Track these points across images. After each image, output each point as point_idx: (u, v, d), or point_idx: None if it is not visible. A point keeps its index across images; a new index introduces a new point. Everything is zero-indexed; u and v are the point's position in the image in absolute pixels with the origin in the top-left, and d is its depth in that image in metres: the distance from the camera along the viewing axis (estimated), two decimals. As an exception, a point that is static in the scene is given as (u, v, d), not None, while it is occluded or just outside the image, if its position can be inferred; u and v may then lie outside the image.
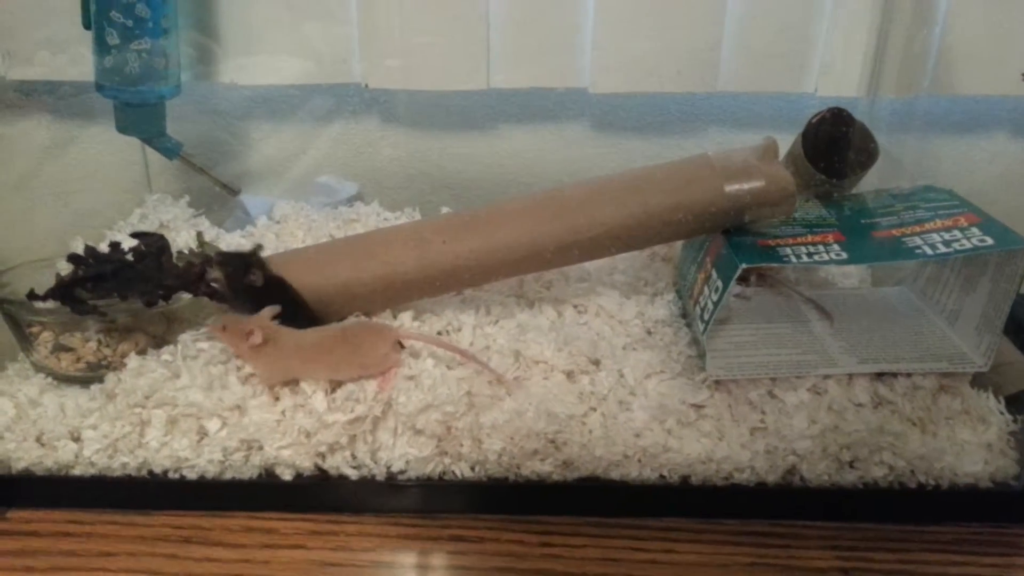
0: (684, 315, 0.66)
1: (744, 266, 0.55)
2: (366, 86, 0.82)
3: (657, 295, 0.69)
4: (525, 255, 0.60)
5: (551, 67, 0.83)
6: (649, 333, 0.64)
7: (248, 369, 0.58)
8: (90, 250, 0.57)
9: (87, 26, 0.74)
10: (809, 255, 0.56)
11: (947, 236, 0.56)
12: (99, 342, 0.58)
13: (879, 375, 0.58)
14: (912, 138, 0.86)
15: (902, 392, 0.57)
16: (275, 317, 0.57)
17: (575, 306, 0.68)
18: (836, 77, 0.81)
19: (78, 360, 0.58)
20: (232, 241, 0.80)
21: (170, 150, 0.80)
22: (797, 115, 0.86)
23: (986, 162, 0.86)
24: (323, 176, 0.91)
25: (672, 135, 0.89)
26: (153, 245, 0.57)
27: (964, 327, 0.60)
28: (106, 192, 0.87)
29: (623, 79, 0.82)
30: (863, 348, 0.60)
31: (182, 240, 0.76)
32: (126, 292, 0.56)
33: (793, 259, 0.56)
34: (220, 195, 0.86)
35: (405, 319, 0.63)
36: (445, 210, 0.84)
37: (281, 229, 0.82)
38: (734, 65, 0.82)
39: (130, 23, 0.72)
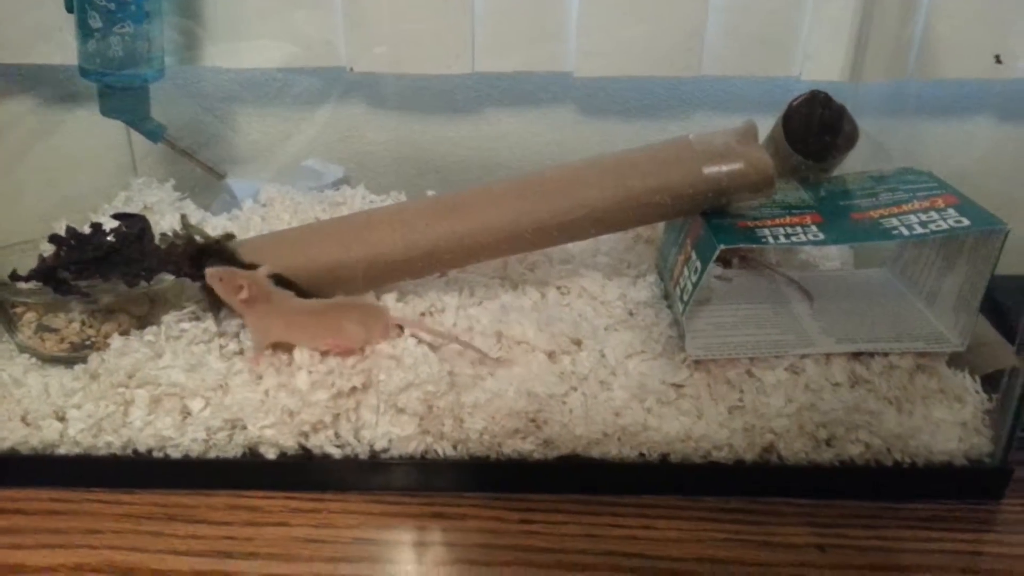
0: (666, 296, 0.66)
1: (722, 247, 0.55)
2: (351, 70, 0.82)
3: (640, 277, 0.69)
4: (507, 237, 0.61)
5: (536, 51, 0.83)
6: (631, 314, 0.65)
7: (232, 347, 0.59)
8: (72, 231, 0.57)
9: (70, 10, 0.74)
10: (787, 236, 0.57)
11: (924, 217, 0.57)
12: (83, 323, 0.58)
13: (856, 355, 0.59)
14: (895, 121, 0.86)
15: (879, 371, 0.58)
16: (271, 276, 0.58)
17: (558, 287, 0.68)
18: (820, 61, 0.82)
19: (62, 340, 0.58)
20: (218, 224, 0.80)
21: (154, 133, 0.80)
22: (781, 99, 0.86)
23: (968, 145, 0.87)
24: (309, 160, 0.91)
25: (657, 119, 0.89)
26: (134, 226, 0.57)
27: (942, 307, 0.61)
28: (91, 175, 0.87)
29: (607, 63, 0.83)
30: (841, 328, 0.61)
31: (167, 223, 0.76)
32: (108, 273, 0.56)
33: (771, 240, 0.56)
34: (206, 179, 0.86)
35: (388, 300, 0.64)
36: (430, 193, 0.85)
37: (267, 212, 0.82)
38: (719, 49, 0.82)
39: (112, 6, 0.72)
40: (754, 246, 0.58)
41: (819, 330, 0.61)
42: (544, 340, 0.60)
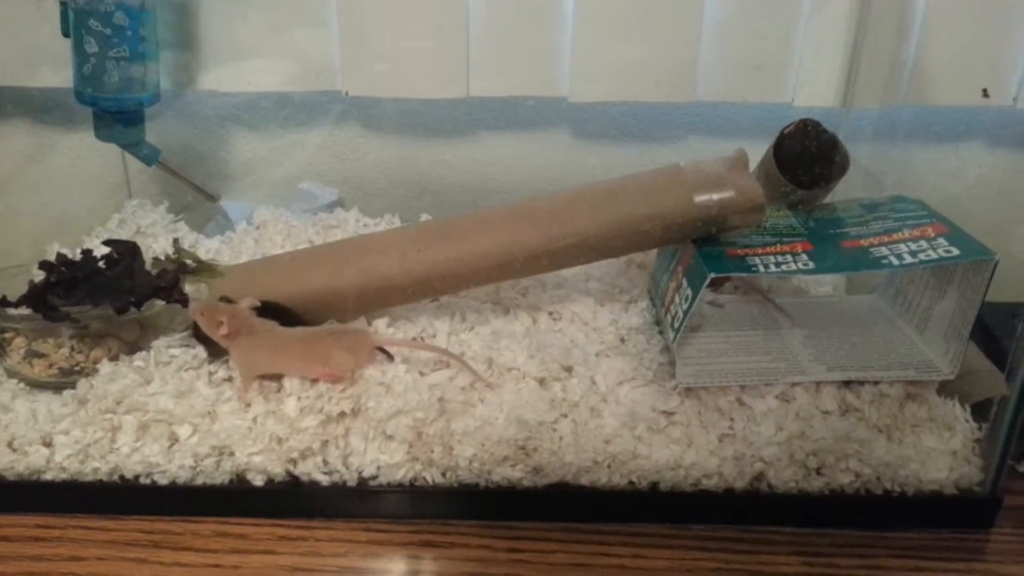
0: (657, 323, 0.66)
1: (712, 275, 0.55)
2: (346, 94, 0.83)
3: (632, 303, 0.69)
4: (497, 264, 0.61)
5: (530, 76, 0.84)
6: (622, 340, 0.65)
7: (221, 373, 0.59)
8: (61, 257, 0.57)
9: (66, 34, 0.74)
10: (777, 264, 0.57)
11: (914, 247, 0.57)
12: (72, 348, 0.58)
13: (847, 383, 0.59)
14: (887, 147, 0.87)
15: (869, 400, 0.58)
16: (254, 308, 0.58)
17: (550, 313, 0.68)
18: (813, 88, 0.82)
19: (51, 366, 0.58)
20: (211, 247, 0.80)
21: (149, 157, 0.80)
22: (776, 125, 0.86)
23: (959, 171, 0.87)
24: (304, 182, 0.91)
25: (652, 143, 0.90)
26: (125, 252, 0.57)
27: (932, 335, 0.61)
28: (85, 197, 0.87)
29: (602, 88, 0.83)
30: (832, 356, 0.61)
31: (160, 246, 0.76)
32: (98, 299, 0.56)
33: (761, 268, 0.57)
34: (200, 201, 0.87)
35: (380, 326, 0.64)
36: (425, 217, 0.85)
37: (260, 235, 0.82)
38: (712, 75, 0.83)
39: (108, 31, 0.72)
40: (744, 275, 0.58)
41: (810, 357, 0.61)
42: (535, 366, 0.60)
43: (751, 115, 0.87)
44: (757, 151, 0.70)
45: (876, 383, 0.59)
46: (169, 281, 0.57)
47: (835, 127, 0.81)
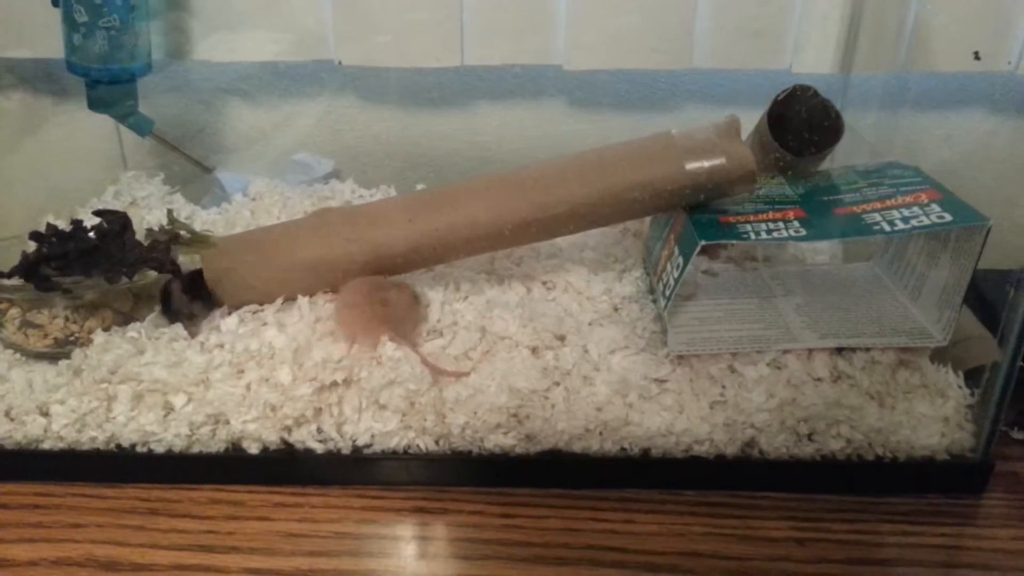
0: (651, 291, 0.66)
1: (704, 242, 0.55)
2: (340, 63, 0.82)
3: (625, 272, 0.69)
4: (488, 232, 0.61)
5: (525, 44, 0.83)
6: (616, 309, 0.65)
7: (213, 340, 0.59)
8: (52, 228, 0.58)
9: (56, 4, 0.74)
10: (768, 232, 0.57)
11: (907, 212, 0.57)
12: (66, 319, 0.58)
13: (839, 350, 0.59)
14: (885, 114, 0.86)
15: (861, 366, 0.58)
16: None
17: (544, 282, 0.68)
18: (811, 54, 0.82)
19: (45, 336, 0.59)
20: (207, 218, 0.80)
21: (142, 127, 0.80)
22: (774, 92, 0.86)
23: (958, 138, 0.87)
24: (299, 153, 0.91)
25: (648, 111, 0.89)
26: (116, 223, 0.57)
27: (926, 302, 0.61)
28: (81, 169, 0.87)
29: (598, 56, 0.83)
30: (825, 323, 0.61)
31: (155, 218, 0.76)
32: (90, 269, 0.56)
33: (752, 236, 0.56)
34: (195, 172, 0.86)
35: (373, 295, 0.64)
36: (420, 187, 0.85)
37: (256, 206, 0.82)
38: (709, 42, 0.82)
39: (98, 1, 0.71)
40: (735, 242, 0.57)
41: (802, 325, 0.61)
42: (527, 335, 0.61)
43: (748, 82, 0.87)
44: (754, 119, 0.69)
45: (868, 350, 0.59)
46: (161, 251, 0.57)
47: (834, 94, 0.81)
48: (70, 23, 0.73)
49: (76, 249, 0.56)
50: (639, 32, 0.81)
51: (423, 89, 0.88)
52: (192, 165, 0.84)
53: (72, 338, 0.59)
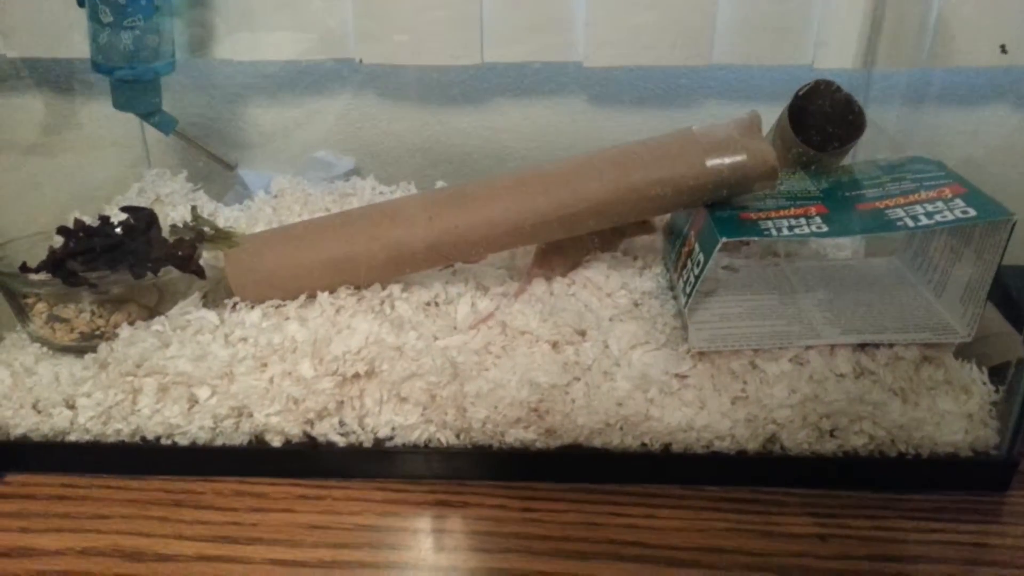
0: (671, 287, 0.66)
1: (724, 240, 0.55)
2: (360, 61, 0.83)
3: (646, 267, 0.69)
4: (509, 229, 0.61)
5: (545, 41, 0.83)
6: (636, 305, 0.65)
7: (237, 333, 0.59)
8: (80, 224, 0.58)
9: (81, 4, 0.75)
10: (790, 228, 0.56)
11: (930, 208, 0.57)
12: (92, 313, 0.59)
13: (862, 346, 0.59)
14: (910, 110, 0.85)
15: (884, 362, 0.58)
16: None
17: (564, 279, 0.68)
18: (833, 49, 0.81)
19: (72, 330, 0.59)
20: (230, 215, 0.81)
21: (166, 126, 0.80)
22: (794, 87, 0.86)
23: (983, 133, 0.86)
24: (320, 151, 0.91)
25: (668, 107, 0.89)
26: (142, 219, 0.58)
27: (950, 297, 0.60)
28: (106, 167, 0.88)
29: (617, 53, 0.82)
30: (847, 319, 0.60)
31: (179, 215, 0.77)
32: (116, 265, 0.57)
33: (774, 232, 0.56)
34: (218, 169, 0.87)
35: (394, 291, 0.64)
36: (440, 184, 0.85)
37: (278, 203, 0.83)
38: (729, 38, 0.81)
39: (123, 1, 0.72)
40: (756, 239, 0.57)
41: (825, 321, 0.60)
42: (548, 330, 0.61)
43: (769, 78, 0.86)
44: (775, 114, 0.69)
45: (891, 346, 0.58)
46: (186, 250, 0.57)
47: (857, 89, 0.80)
48: (96, 23, 0.74)
49: (102, 244, 0.57)
50: (659, 28, 0.81)
51: (442, 86, 0.88)
52: (215, 162, 0.85)
53: (98, 332, 0.60)
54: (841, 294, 0.63)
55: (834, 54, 0.81)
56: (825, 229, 0.56)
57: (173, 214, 0.78)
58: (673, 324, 0.62)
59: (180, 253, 0.57)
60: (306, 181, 0.88)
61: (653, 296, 0.65)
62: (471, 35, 0.82)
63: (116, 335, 0.59)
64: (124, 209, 0.60)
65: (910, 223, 0.55)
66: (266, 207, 0.83)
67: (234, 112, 0.90)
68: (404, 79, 0.88)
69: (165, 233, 0.64)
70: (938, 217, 0.55)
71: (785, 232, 0.56)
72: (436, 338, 0.60)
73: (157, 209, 0.68)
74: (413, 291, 0.65)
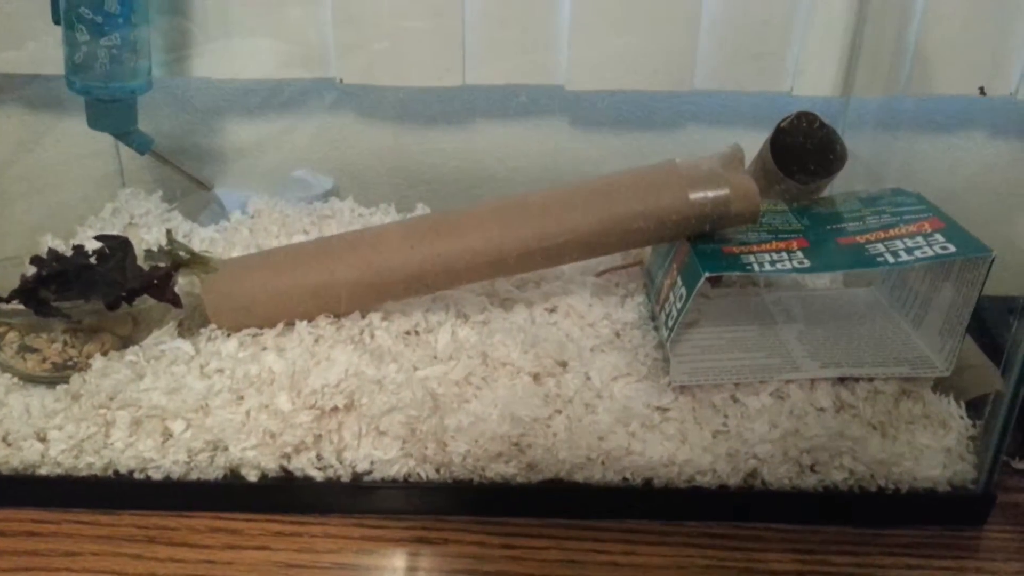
0: (653, 318, 0.66)
1: (707, 275, 0.55)
2: (340, 81, 0.82)
3: (628, 296, 0.69)
4: (491, 260, 0.61)
5: (527, 64, 0.83)
6: (617, 335, 0.65)
7: (213, 365, 0.58)
8: (53, 253, 0.57)
9: (57, 22, 0.73)
10: (772, 263, 0.57)
11: (910, 243, 0.57)
12: (64, 343, 0.58)
13: (841, 379, 0.59)
14: (887, 138, 0.86)
15: (863, 396, 0.58)
16: None
17: (545, 306, 0.68)
18: (812, 77, 0.82)
19: (44, 361, 0.58)
20: (206, 236, 0.80)
21: (141, 146, 0.79)
22: (775, 113, 0.85)
23: (960, 161, 0.87)
24: (298, 170, 0.91)
25: (650, 131, 0.89)
26: (116, 248, 0.57)
27: (928, 330, 0.61)
28: (78, 186, 0.87)
29: (599, 77, 0.83)
30: (827, 351, 0.61)
31: (153, 237, 0.76)
32: (89, 294, 0.56)
33: (756, 268, 0.56)
34: (194, 189, 0.86)
35: (374, 319, 0.64)
36: (420, 207, 0.85)
37: (255, 224, 0.82)
38: (711, 64, 0.82)
39: (99, 19, 0.71)
40: (738, 274, 0.57)
41: (805, 353, 0.61)
42: (529, 361, 0.60)
43: (750, 104, 0.87)
44: (755, 140, 0.69)
45: (871, 379, 0.59)
46: (161, 279, 0.56)
47: (834, 116, 0.81)
48: (71, 41, 0.73)
49: (75, 274, 0.56)
50: (641, 53, 0.81)
51: (423, 106, 0.88)
52: (191, 182, 0.84)
53: (70, 362, 0.59)
54: (821, 325, 0.63)
55: (813, 81, 0.82)
56: (806, 265, 0.56)
57: (148, 237, 0.77)
58: (655, 356, 0.62)
59: (155, 282, 0.56)
60: (284, 201, 0.87)
61: (635, 327, 0.65)
62: (453, 57, 0.81)
63: (89, 366, 0.57)
64: (98, 238, 0.59)
65: (890, 259, 0.55)
66: (243, 228, 0.82)
67: (211, 130, 0.89)
68: (383, 98, 0.87)
69: (140, 258, 0.63)
70: (918, 253, 0.56)
71: (767, 267, 0.56)
72: (416, 368, 0.60)
73: (131, 233, 0.67)
74: (393, 319, 0.64)
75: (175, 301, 0.58)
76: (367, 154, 0.90)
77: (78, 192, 0.86)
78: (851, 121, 0.85)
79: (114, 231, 0.75)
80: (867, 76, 0.81)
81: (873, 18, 0.79)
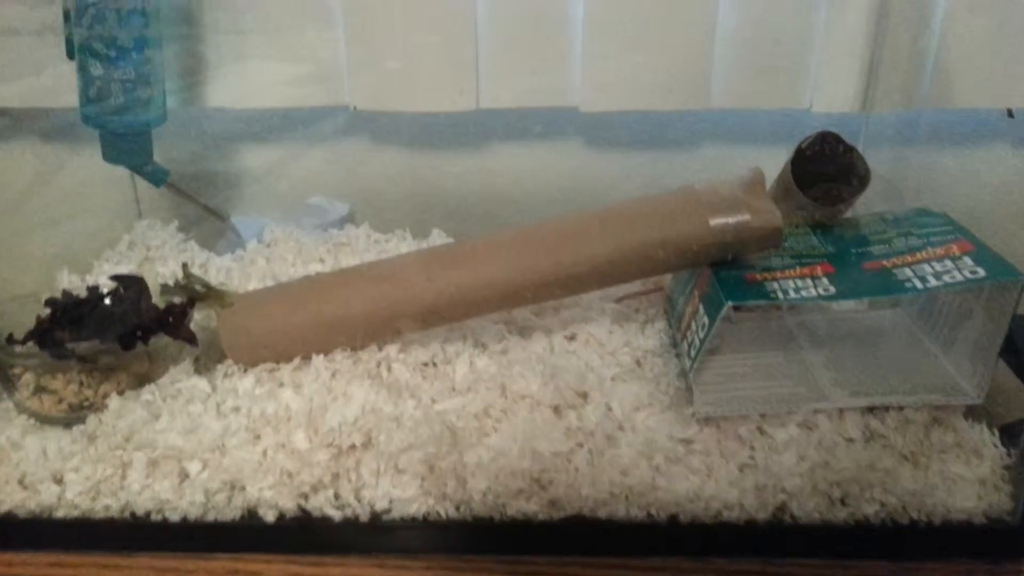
0: (674, 344, 0.65)
1: (731, 304, 0.54)
2: (354, 108, 0.82)
3: (648, 323, 0.68)
4: (509, 291, 0.60)
5: (541, 87, 0.82)
6: (639, 364, 0.63)
7: (229, 403, 0.58)
8: (67, 295, 0.57)
9: (71, 56, 0.74)
10: (796, 290, 0.55)
11: (938, 267, 0.55)
12: (81, 383, 0.57)
13: (870, 408, 0.57)
14: (909, 152, 0.85)
15: (894, 426, 0.56)
16: None
17: (565, 334, 0.67)
18: (831, 92, 0.81)
19: (60, 401, 0.58)
20: (222, 265, 0.79)
21: (157, 178, 0.79)
22: (793, 130, 0.85)
23: (983, 175, 0.85)
24: (314, 197, 0.90)
25: (666, 151, 0.88)
26: (131, 288, 0.56)
27: (958, 354, 0.59)
28: (95, 218, 0.87)
29: (614, 98, 0.82)
30: (855, 378, 0.59)
31: (169, 269, 0.76)
32: (105, 334, 0.55)
33: (780, 296, 0.55)
34: (211, 218, 0.86)
35: (391, 351, 0.63)
36: (436, 233, 0.84)
37: (271, 253, 0.82)
38: (727, 81, 0.81)
39: (113, 53, 0.71)
40: (762, 303, 0.56)
41: (831, 381, 0.59)
42: (549, 393, 0.59)
43: (768, 120, 0.86)
44: (774, 157, 0.68)
45: (901, 408, 0.57)
46: (177, 317, 0.56)
47: (854, 132, 0.79)
48: (85, 76, 0.73)
49: (90, 314, 0.55)
50: (655, 73, 0.80)
51: (438, 129, 0.87)
52: (207, 214, 0.83)
53: (86, 403, 0.58)
54: (847, 350, 0.62)
55: (832, 97, 0.81)
56: (832, 292, 0.55)
57: (164, 269, 0.77)
58: (677, 384, 0.61)
59: (170, 319, 0.55)
60: (300, 228, 0.86)
61: (656, 354, 0.64)
62: (466, 81, 0.81)
63: (105, 406, 0.57)
64: (113, 277, 0.58)
65: (919, 285, 0.54)
66: (259, 257, 0.81)
67: (227, 157, 0.89)
68: (398, 123, 0.87)
69: (155, 292, 0.63)
70: (947, 278, 0.54)
71: (792, 295, 0.55)
72: (434, 401, 0.59)
73: (147, 268, 0.67)
74: (410, 351, 0.63)
75: (190, 339, 0.57)
76: (382, 178, 0.90)
77: (95, 224, 0.86)
78: (871, 136, 0.83)
79: (130, 265, 0.75)
80: (887, 90, 0.80)
81: (893, 30, 0.78)
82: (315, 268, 0.80)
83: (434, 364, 0.63)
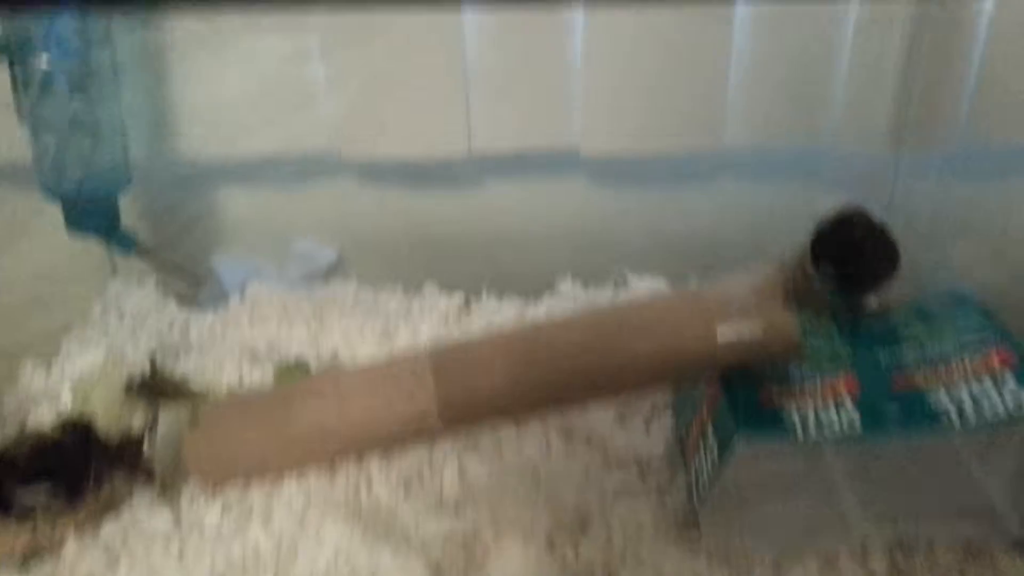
0: (682, 451, 0.59)
1: (743, 447, 0.48)
2: (339, 154, 0.76)
3: (653, 417, 0.62)
4: (496, 408, 0.54)
5: (538, 129, 0.76)
6: (642, 475, 0.58)
7: (194, 543, 0.53)
8: (8, 453, 0.52)
9: (24, 123, 0.68)
10: (818, 422, 0.49)
11: (976, 389, 0.50)
12: (33, 529, 0.53)
13: (899, 542, 0.52)
14: (941, 194, 0.78)
15: (921, 563, 0.51)
16: None
17: (562, 428, 0.62)
18: (855, 129, 0.74)
19: (12, 551, 0.53)
20: (204, 323, 0.76)
21: (125, 246, 0.74)
22: (811, 164, 0.78)
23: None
24: (300, 241, 0.85)
25: (675, 190, 0.82)
26: (77, 436, 0.52)
27: (999, 473, 0.53)
28: (65, 279, 0.81)
29: (617, 140, 0.75)
30: (879, 498, 0.53)
31: (146, 337, 0.73)
32: (54, 482, 0.50)
33: (799, 431, 0.49)
34: (192, 265, 0.81)
35: (372, 467, 0.58)
36: (429, 285, 0.79)
37: (254, 314, 0.77)
38: (742, 117, 0.74)
39: (66, 122, 0.65)
40: (777, 445, 0.50)
41: (854, 500, 0.53)
42: (544, 517, 0.54)
43: (786, 154, 0.79)
44: (795, 194, 0.61)
45: (931, 542, 0.52)
46: (132, 455, 0.51)
47: (881, 175, 0.73)
48: (39, 144, 0.67)
49: (38, 461, 0.50)
50: (662, 112, 0.74)
51: (430, 172, 0.81)
52: (181, 279, 0.78)
53: (41, 549, 0.53)
54: (871, 462, 0.56)
55: (857, 134, 0.74)
56: (857, 428, 0.49)
57: (141, 334, 0.73)
58: (683, 500, 0.55)
59: (124, 459, 0.51)
60: (284, 280, 0.82)
61: (661, 459, 0.59)
62: (457, 125, 0.75)
63: (60, 554, 0.52)
64: (59, 427, 0.53)
65: (956, 420, 0.48)
66: (242, 317, 0.77)
67: (211, 199, 0.83)
68: (388, 165, 0.81)
69: (119, 391, 0.58)
70: (987, 409, 0.48)
71: (812, 431, 0.49)
72: (418, 527, 0.54)
73: (111, 366, 0.62)
74: (393, 462, 0.59)
75: (148, 475, 0.53)
76: (372, 222, 0.85)
77: (65, 286, 0.81)
78: (902, 178, 0.76)
79: (98, 350, 0.70)
80: (920, 126, 0.73)
81: (926, 60, 0.70)
82: (300, 332, 0.75)
83: (419, 477, 0.58)
